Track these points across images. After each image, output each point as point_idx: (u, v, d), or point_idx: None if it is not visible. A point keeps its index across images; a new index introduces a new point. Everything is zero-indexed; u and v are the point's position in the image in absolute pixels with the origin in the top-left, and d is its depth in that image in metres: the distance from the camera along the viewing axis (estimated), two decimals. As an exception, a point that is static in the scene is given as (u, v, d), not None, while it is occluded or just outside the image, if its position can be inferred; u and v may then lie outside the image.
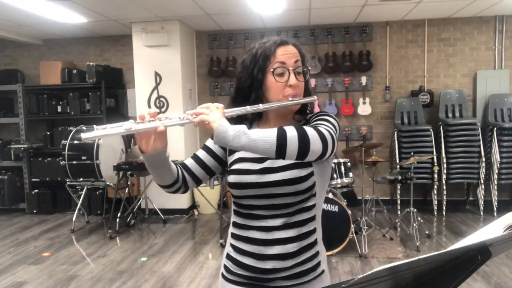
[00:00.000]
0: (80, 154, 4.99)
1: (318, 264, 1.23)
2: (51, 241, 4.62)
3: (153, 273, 3.65)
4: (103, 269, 3.75)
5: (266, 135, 1.05)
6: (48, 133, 6.09)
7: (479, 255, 0.64)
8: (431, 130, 5.35)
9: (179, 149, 5.44)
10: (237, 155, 1.27)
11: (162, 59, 5.55)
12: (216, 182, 4.74)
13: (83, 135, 1.08)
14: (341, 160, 4.25)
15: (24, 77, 6.43)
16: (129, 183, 5.30)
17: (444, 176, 5.33)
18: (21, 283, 3.47)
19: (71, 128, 5.39)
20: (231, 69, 5.89)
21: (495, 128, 5.25)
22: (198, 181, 1.33)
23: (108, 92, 5.93)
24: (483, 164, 5.26)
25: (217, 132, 1.05)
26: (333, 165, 4.12)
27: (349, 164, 4.29)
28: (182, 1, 4.61)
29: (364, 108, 5.84)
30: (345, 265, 3.70)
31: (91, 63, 5.72)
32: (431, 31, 5.75)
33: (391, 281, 0.60)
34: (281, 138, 1.04)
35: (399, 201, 5.47)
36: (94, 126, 1.09)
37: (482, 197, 5.33)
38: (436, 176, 5.32)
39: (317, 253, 1.23)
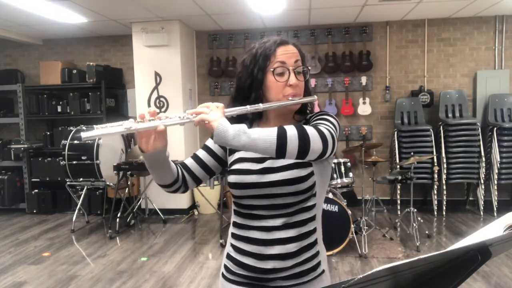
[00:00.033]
0: (80, 154, 4.99)
1: (318, 264, 1.23)
2: (51, 241, 4.62)
3: (153, 273, 3.65)
4: (103, 269, 3.75)
5: (266, 134, 1.05)
6: (48, 133, 6.09)
7: (479, 255, 0.64)
8: (431, 130, 5.35)
9: (179, 149, 5.44)
10: (237, 155, 1.27)
11: (162, 59, 5.55)
12: (216, 182, 4.74)
13: (83, 134, 1.08)
14: (341, 160, 4.25)
15: (24, 77, 6.43)
16: (129, 183, 5.30)
17: (444, 176, 5.33)
18: (21, 283, 3.47)
19: (71, 128, 5.39)
20: (231, 69, 5.90)
21: (495, 128, 5.25)
22: (198, 181, 1.33)
23: (108, 92, 5.93)
24: (483, 164, 5.26)
25: (217, 131, 1.05)
26: (333, 165, 4.12)
27: (349, 164, 4.29)
28: (182, 1, 4.61)
29: (364, 108, 5.84)
30: (345, 265, 3.70)
31: (91, 63, 5.73)
32: (431, 31, 5.75)
33: (391, 281, 0.60)
34: (281, 137, 1.04)
35: (399, 201, 5.47)
36: (94, 125, 1.09)
37: (482, 197, 5.33)
38: (436, 176, 5.32)
39: (317, 253, 1.23)
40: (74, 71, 5.95)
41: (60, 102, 5.97)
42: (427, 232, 4.51)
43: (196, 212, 5.79)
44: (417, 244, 4.05)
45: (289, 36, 5.83)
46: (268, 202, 1.19)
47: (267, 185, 1.18)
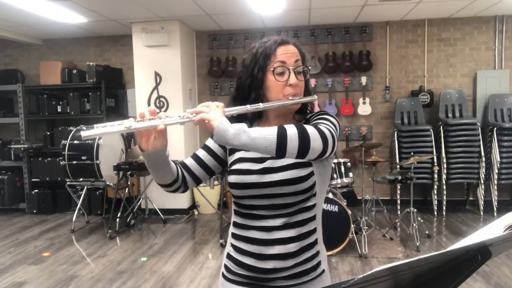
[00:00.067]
0: (80, 154, 4.99)
1: (319, 264, 1.23)
2: (51, 241, 4.62)
3: (153, 273, 3.65)
4: (103, 269, 3.75)
5: (266, 133, 1.05)
6: (48, 133, 6.09)
7: (479, 255, 0.64)
8: (431, 130, 5.35)
9: (179, 149, 5.44)
10: (237, 155, 1.27)
11: (162, 59, 5.55)
12: (216, 182, 4.74)
13: (83, 133, 1.08)
14: (341, 160, 4.25)
15: (24, 77, 6.43)
16: (129, 183, 5.30)
17: (444, 176, 5.33)
18: (21, 283, 3.47)
19: (71, 128, 5.39)
20: (231, 69, 5.90)
21: (495, 128, 5.25)
22: (197, 181, 1.33)
23: (108, 92, 5.93)
24: (483, 164, 5.26)
25: (217, 130, 1.05)
26: (333, 165, 4.11)
27: (349, 164, 4.29)
28: (182, 1, 4.61)
29: (364, 108, 5.84)
30: (345, 265, 3.70)
31: (91, 63, 5.73)
32: (431, 31, 5.75)
33: (391, 281, 0.60)
34: (282, 136, 1.04)
35: (399, 201, 5.47)
36: (94, 124, 1.09)
37: (482, 197, 5.33)
38: (436, 176, 5.32)
39: (317, 253, 1.23)
40: (74, 71, 5.95)
41: (60, 102, 5.97)
42: (427, 232, 4.51)
43: (196, 212, 5.79)
44: (417, 244, 4.05)
45: (289, 36, 5.82)
46: (268, 202, 1.19)
47: (267, 185, 1.18)
